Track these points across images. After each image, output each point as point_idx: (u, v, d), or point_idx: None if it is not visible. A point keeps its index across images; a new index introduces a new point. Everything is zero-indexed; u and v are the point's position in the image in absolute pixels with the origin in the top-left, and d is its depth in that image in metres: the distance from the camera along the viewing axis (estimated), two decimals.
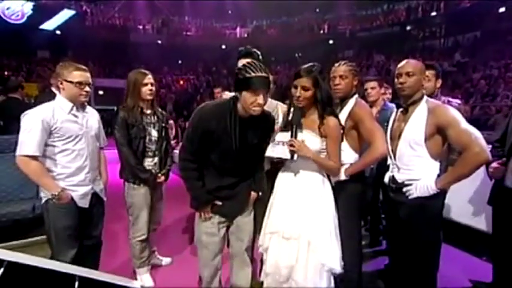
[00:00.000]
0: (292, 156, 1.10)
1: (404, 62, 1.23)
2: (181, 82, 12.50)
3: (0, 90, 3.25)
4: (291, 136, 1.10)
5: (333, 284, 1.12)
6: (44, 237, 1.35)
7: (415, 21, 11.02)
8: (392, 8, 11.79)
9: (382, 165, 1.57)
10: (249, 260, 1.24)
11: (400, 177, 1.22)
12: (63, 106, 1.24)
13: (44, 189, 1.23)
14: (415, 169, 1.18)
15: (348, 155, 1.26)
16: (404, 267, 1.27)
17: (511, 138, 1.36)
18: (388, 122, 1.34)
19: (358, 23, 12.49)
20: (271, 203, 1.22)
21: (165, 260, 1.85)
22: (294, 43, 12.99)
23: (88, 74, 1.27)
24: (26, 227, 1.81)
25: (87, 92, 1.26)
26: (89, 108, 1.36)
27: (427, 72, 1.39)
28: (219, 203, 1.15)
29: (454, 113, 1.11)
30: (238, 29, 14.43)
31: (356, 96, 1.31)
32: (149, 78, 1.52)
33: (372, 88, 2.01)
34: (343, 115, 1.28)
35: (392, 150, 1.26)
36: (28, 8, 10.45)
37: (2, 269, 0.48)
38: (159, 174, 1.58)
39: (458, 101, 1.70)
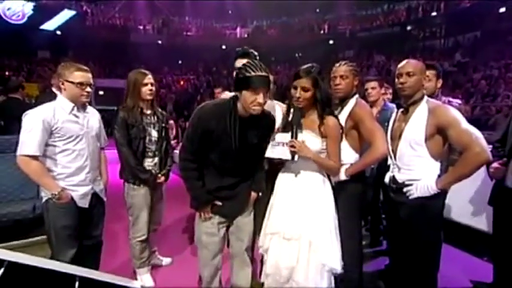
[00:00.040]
0: (292, 157, 1.10)
1: (404, 62, 1.23)
2: (182, 82, 12.51)
3: (1, 90, 3.26)
4: (292, 137, 1.10)
5: (333, 284, 1.12)
6: (44, 237, 1.35)
7: (415, 21, 11.01)
8: (392, 8, 11.79)
9: (383, 165, 1.57)
10: (249, 260, 1.24)
11: (400, 178, 1.22)
12: (64, 106, 1.25)
13: (44, 189, 1.23)
14: (416, 169, 1.18)
15: (349, 155, 1.26)
16: (404, 267, 1.27)
17: (511, 139, 1.36)
18: (388, 122, 1.34)
19: (358, 23, 12.49)
20: (271, 204, 1.22)
21: (165, 260, 1.85)
22: (294, 43, 13.00)
23: (89, 75, 1.27)
24: (27, 227, 1.81)
25: (88, 92, 1.27)
26: (89, 109, 1.36)
27: (428, 72, 1.39)
28: (219, 203, 1.15)
29: (454, 113, 1.11)
30: (238, 29, 14.44)
31: (356, 96, 1.31)
32: (149, 78, 1.51)
33: (372, 88, 2.01)
34: (343, 115, 1.28)
35: (392, 150, 1.26)
36: (28, 8, 10.47)
37: (2, 269, 0.48)
38: (159, 175, 1.58)
39: (459, 101, 1.69)
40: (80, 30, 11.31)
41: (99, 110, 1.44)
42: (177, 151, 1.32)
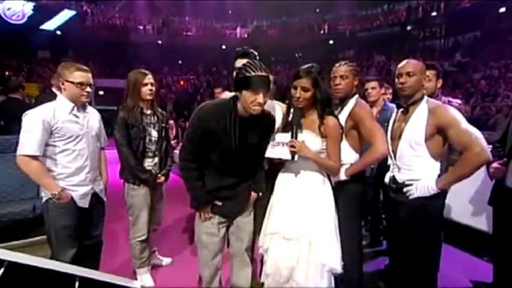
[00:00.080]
0: (293, 157, 1.10)
1: (404, 62, 1.23)
2: (182, 82, 12.51)
3: (1, 90, 3.26)
4: (292, 137, 1.10)
5: (333, 284, 1.12)
6: (44, 237, 1.35)
7: (415, 22, 11.01)
8: (392, 8, 11.79)
9: (383, 166, 1.57)
10: (249, 260, 1.24)
11: (400, 178, 1.22)
12: (64, 106, 1.25)
13: (44, 189, 1.23)
14: (416, 169, 1.18)
15: (349, 155, 1.26)
16: (404, 267, 1.27)
17: (511, 139, 1.36)
18: (388, 122, 1.34)
19: (358, 23, 12.49)
20: (271, 204, 1.22)
21: (166, 260, 1.85)
22: (294, 43, 12.99)
23: (89, 75, 1.27)
24: (27, 227, 1.81)
25: (88, 92, 1.27)
26: (89, 109, 1.36)
27: (428, 72, 1.39)
28: (219, 203, 1.15)
29: (454, 113, 1.11)
30: (238, 29, 14.44)
31: (356, 96, 1.31)
32: (149, 78, 1.51)
33: (372, 88, 2.01)
34: (343, 115, 1.28)
35: (392, 151, 1.26)
36: (29, 9, 10.47)
37: (2, 269, 0.48)
38: (159, 175, 1.57)
39: (459, 101, 1.69)
40: (80, 30, 11.31)
41: (99, 110, 1.44)
42: (177, 151, 1.32)
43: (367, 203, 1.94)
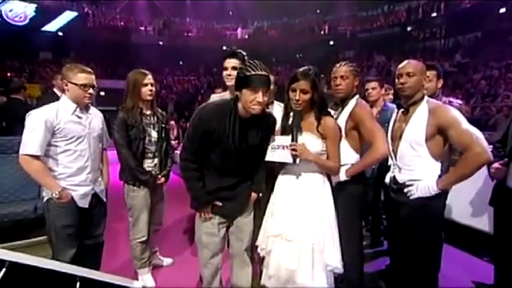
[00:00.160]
0: (294, 160, 1.10)
1: (405, 62, 1.23)
2: (183, 83, 12.54)
3: (3, 91, 3.28)
4: (292, 140, 1.10)
5: (333, 285, 1.12)
6: (45, 237, 1.35)
7: (415, 22, 11.02)
8: (392, 9, 11.80)
9: (383, 166, 1.57)
10: (249, 260, 1.24)
11: (401, 178, 1.22)
12: (66, 107, 1.26)
13: (45, 189, 1.24)
14: (416, 169, 1.18)
15: (349, 156, 1.26)
16: (405, 267, 1.27)
17: None
18: (388, 123, 1.34)
19: (358, 23, 12.50)
20: (271, 204, 1.22)
21: (166, 261, 1.85)
22: (294, 44, 13.02)
23: (93, 76, 1.28)
24: (28, 228, 1.82)
25: (91, 94, 1.28)
26: (92, 109, 1.36)
27: (428, 73, 1.39)
28: (219, 203, 1.15)
29: (454, 114, 1.11)
30: (239, 30, 14.48)
31: (357, 96, 1.31)
32: (149, 79, 1.51)
33: (373, 88, 2.01)
34: (344, 115, 1.28)
35: (393, 151, 1.26)
36: (30, 10, 10.54)
37: (4, 270, 0.48)
38: (159, 176, 1.57)
39: (460, 101, 1.69)
40: (81, 31, 11.38)
41: (101, 111, 1.45)
42: (178, 152, 1.32)
43: (368, 204, 1.94)
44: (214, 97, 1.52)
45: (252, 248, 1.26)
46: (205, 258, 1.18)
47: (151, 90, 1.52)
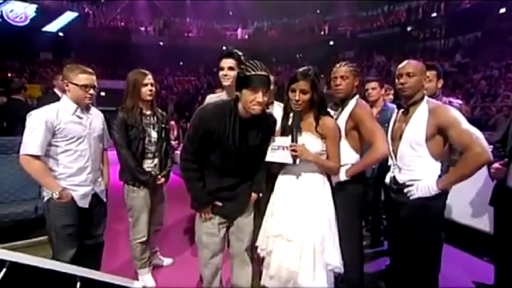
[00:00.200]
0: (294, 161, 1.10)
1: (405, 62, 1.23)
2: (183, 83, 12.56)
3: (3, 91, 3.28)
4: (292, 140, 1.10)
5: (333, 285, 1.12)
6: (46, 237, 1.35)
7: (415, 22, 11.02)
8: (392, 9, 11.80)
9: (384, 166, 1.57)
10: (249, 260, 1.24)
11: (401, 178, 1.22)
12: (67, 107, 1.26)
13: (45, 189, 1.24)
14: (416, 169, 1.18)
15: (349, 156, 1.26)
16: (405, 267, 1.27)
17: None
18: (388, 123, 1.34)
19: (358, 24, 12.51)
20: (271, 204, 1.22)
21: (167, 261, 1.85)
22: (294, 44, 13.03)
23: (94, 77, 1.29)
24: (28, 228, 1.82)
25: (91, 94, 1.28)
26: (93, 110, 1.37)
27: (428, 73, 1.39)
28: (220, 203, 1.15)
29: (454, 114, 1.11)
30: (239, 30, 14.50)
31: (357, 96, 1.31)
32: (149, 79, 1.50)
33: (373, 88, 2.01)
34: (344, 116, 1.28)
35: (393, 151, 1.26)
36: (31, 11, 10.57)
37: (4, 270, 0.48)
38: (159, 176, 1.57)
39: (460, 101, 1.69)
40: (82, 31, 11.40)
41: (101, 111, 1.45)
42: (178, 152, 1.32)
43: (368, 204, 1.94)
44: (211, 97, 1.52)
45: (252, 248, 1.26)
46: (205, 258, 1.18)
47: (151, 90, 1.51)
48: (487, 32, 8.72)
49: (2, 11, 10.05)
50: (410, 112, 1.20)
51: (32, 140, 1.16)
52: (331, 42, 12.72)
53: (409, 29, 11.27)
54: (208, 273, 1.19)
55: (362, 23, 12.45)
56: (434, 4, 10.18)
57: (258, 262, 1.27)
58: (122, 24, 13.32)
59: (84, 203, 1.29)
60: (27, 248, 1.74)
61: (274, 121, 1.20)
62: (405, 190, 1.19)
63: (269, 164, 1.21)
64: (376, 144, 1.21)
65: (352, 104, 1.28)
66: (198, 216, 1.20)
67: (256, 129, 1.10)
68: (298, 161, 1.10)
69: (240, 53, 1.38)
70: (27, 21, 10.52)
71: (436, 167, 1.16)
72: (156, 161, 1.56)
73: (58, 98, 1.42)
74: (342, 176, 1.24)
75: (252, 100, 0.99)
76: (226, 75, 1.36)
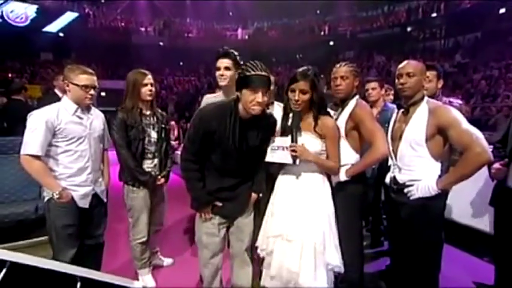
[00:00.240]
0: (294, 161, 1.10)
1: (405, 62, 1.23)
2: (183, 83, 12.57)
3: (4, 92, 3.29)
4: (292, 141, 1.10)
5: (333, 285, 1.12)
6: (46, 237, 1.35)
7: (415, 22, 11.03)
8: (392, 9, 11.81)
9: (384, 166, 1.57)
10: (250, 260, 1.24)
11: (401, 178, 1.22)
12: (67, 107, 1.26)
13: (46, 189, 1.24)
14: (416, 170, 1.18)
15: (349, 156, 1.26)
16: (406, 267, 1.27)
17: None
18: (388, 123, 1.35)
19: (358, 24, 12.52)
20: (271, 204, 1.22)
21: (167, 261, 1.84)
22: (294, 44, 13.04)
23: (94, 77, 1.29)
24: (29, 228, 1.82)
25: (92, 95, 1.28)
26: (94, 110, 1.37)
27: (428, 73, 1.39)
28: (220, 204, 1.16)
29: (455, 114, 1.11)
30: (239, 31, 14.52)
31: (357, 97, 1.31)
32: (149, 79, 1.50)
33: (373, 89, 2.01)
34: (344, 116, 1.28)
35: (393, 151, 1.26)
36: (31, 11, 10.59)
37: (4, 270, 0.48)
38: (159, 176, 1.56)
39: (460, 102, 1.69)
40: (82, 32, 11.42)
41: (101, 111, 1.45)
42: (178, 152, 1.32)
43: (368, 204, 1.94)
44: (208, 97, 1.52)
45: (252, 248, 1.26)
46: (205, 259, 1.18)
47: (151, 91, 1.51)
48: (487, 32, 8.72)
49: (2, 12, 10.07)
50: (410, 112, 1.20)
51: (32, 140, 1.16)
52: (331, 43, 12.73)
53: (409, 29, 11.28)
54: (208, 273, 1.19)
55: (362, 23, 12.46)
56: (434, 4, 10.18)
57: (258, 262, 1.27)
58: (122, 24, 13.34)
59: (84, 203, 1.29)
60: (27, 248, 1.74)
61: (275, 121, 1.20)
62: (405, 190, 1.19)
63: (268, 165, 1.21)
64: (376, 144, 1.21)
65: (352, 104, 1.29)
66: (198, 217, 1.20)
67: (256, 129, 1.10)
68: (298, 161, 1.10)
69: (236, 53, 1.38)
70: (28, 22, 10.54)
71: (436, 167, 1.16)
72: (155, 161, 1.56)
73: (58, 99, 1.43)
74: (342, 176, 1.24)
75: (252, 100, 0.99)
76: (222, 75, 1.36)
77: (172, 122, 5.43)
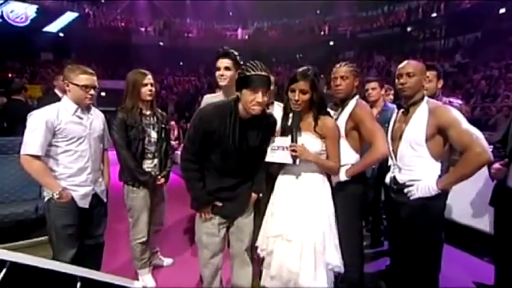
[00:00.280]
0: (294, 161, 1.10)
1: (404, 62, 1.23)
2: (183, 83, 12.57)
3: (4, 92, 3.29)
4: (292, 141, 1.10)
5: (333, 284, 1.12)
6: (46, 237, 1.36)
7: (415, 22, 11.03)
8: (392, 10, 11.82)
9: (384, 166, 1.57)
10: (250, 260, 1.24)
11: (401, 178, 1.22)
12: (67, 107, 1.26)
13: (46, 189, 1.24)
14: (416, 170, 1.18)
15: (349, 156, 1.26)
16: (406, 267, 1.27)
17: None
18: (388, 123, 1.35)
19: (358, 24, 12.52)
20: (271, 204, 1.22)
21: (167, 261, 1.85)
22: (294, 44, 13.04)
23: (94, 78, 1.29)
24: (29, 228, 1.82)
25: (92, 95, 1.28)
26: (94, 110, 1.37)
27: (428, 73, 1.40)
28: (220, 204, 1.16)
29: (455, 114, 1.11)
30: (239, 31, 14.52)
31: (357, 97, 1.32)
32: (149, 79, 1.50)
33: (373, 89, 2.01)
34: (344, 116, 1.28)
35: (393, 151, 1.26)
36: (31, 11, 10.59)
37: (4, 270, 0.48)
38: (159, 176, 1.56)
39: (460, 102, 1.69)
40: (82, 32, 11.42)
41: (101, 111, 1.45)
42: (178, 152, 1.33)
43: (368, 204, 1.94)
44: (207, 97, 1.52)
45: (252, 248, 1.26)
46: (205, 259, 1.18)
47: (151, 90, 1.51)
48: (487, 32, 8.72)
49: (2, 12, 10.07)
50: (410, 112, 1.20)
51: (32, 140, 1.16)
52: (331, 43, 12.73)
53: (409, 29, 11.28)
54: (208, 273, 1.19)
55: (362, 23, 12.46)
56: (434, 4, 10.18)
57: (258, 262, 1.27)
58: (122, 24, 13.34)
59: (84, 203, 1.29)
60: (27, 248, 1.74)
61: (275, 121, 1.20)
62: (405, 190, 1.19)
63: (268, 165, 1.21)
64: (376, 144, 1.21)
65: (352, 104, 1.29)
66: (198, 217, 1.20)
67: (256, 129, 1.11)
68: (298, 161, 1.10)
69: (236, 53, 1.38)
70: (28, 22, 10.55)
71: (436, 167, 1.16)
72: (155, 161, 1.56)
73: (58, 99, 1.43)
74: (342, 176, 1.24)
75: (252, 100, 0.99)
76: (222, 75, 1.36)
77: (173, 122, 5.44)
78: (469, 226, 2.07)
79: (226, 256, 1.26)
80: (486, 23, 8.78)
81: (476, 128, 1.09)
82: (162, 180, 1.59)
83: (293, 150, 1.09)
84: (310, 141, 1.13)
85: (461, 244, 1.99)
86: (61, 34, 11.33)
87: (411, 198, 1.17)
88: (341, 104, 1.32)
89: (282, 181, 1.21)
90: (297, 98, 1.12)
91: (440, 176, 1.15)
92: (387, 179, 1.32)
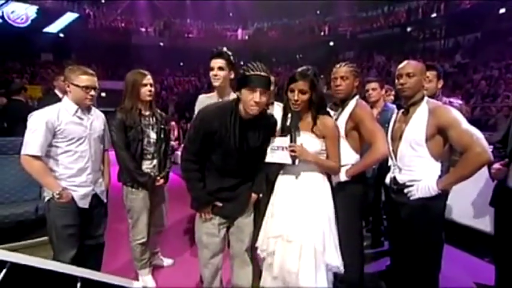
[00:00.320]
0: (293, 162, 1.10)
1: (404, 62, 1.23)
2: (183, 84, 12.58)
3: (4, 92, 3.30)
4: (291, 141, 1.10)
5: (332, 285, 1.12)
6: (46, 238, 1.36)
7: (415, 23, 11.03)
8: (392, 10, 11.82)
9: (384, 166, 1.57)
10: (250, 260, 1.24)
11: (401, 178, 1.22)
12: (68, 108, 1.26)
13: (46, 189, 1.24)
14: (416, 170, 1.18)
15: (349, 156, 1.26)
16: (406, 268, 1.27)
17: None
18: (388, 123, 1.35)
19: (358, 24, 12.53)
20: (271, 204, 1.22)
21: (167, 261, 1.84)
22: (294, 45, 13.05)
23: (95, 78, 1.29)
24: (29, 228, 1.82)
25: (92, 95, 1.28)
26: (94, 111, 1.37)
27: (428, 73, 1.40)
28: (220, 204, 1.16)
29: (455, 114, 1.11)
30: (239, 31, 14.54)
31: (357, 97, 1.32)
32: (148, 79, 1.49)
33: (373, 89, 2.01)
34: (344, 116, 1.28)
35: (393, 151, 1.26)
36: (32, 12, 10.61)
37: (4, 270, 0.48)
38: (158, 177, 1.56)
39: (460, 102, 1.69)
40: (82, 32, 11.44)
41: (101, 112, 1.45)
42: (178, 152, 1.33)
43: (368, 204, 1.94)
44: (202, 97, 1.52)
45: (252, 249, 1.26)
46: (205, 259, 1.18)
47: (150, 91, 1.50)
48: (487, 33, 8.72)
49: (3, 12, 10.09)
50: (410, 112, 1.20)
51: (32, 141, 1.17)
52: (331, 43, 12.74)
53: (409, 29, 11.28)
54: (209, 273, 1.19)
55: (362, 23, 12.46)
56: (434, 4, 10.18)
57: (258, 263, 1.27)
58: (123, 25, 13.36)
59: (84, 204, 1.29)
60: (27, 249, 1.74)
61: (275, 122, 1.20)
62: (405, 190, 1.19)
63: (267, 169, 1.21)
64: (376, 144, 1.21)
65: (352, 104, 1.29)
66: (198, 217, 1.20)
67: (257, 129, 1.11)
68: (297, 161, 1.10)
69: (230, 53, 1.38)
70: (28, 22, 10.57)
71: (436, 167, 1.16)
72: (155, 162, 1.55)
73: (59, 99, 1.43)
74: (342, 177, 1.24)
75: (250, 100, 1.00)
76: (216, 75, 1.36)
77: (173, 123, 5.44)
78: (470, 226, 2.07)
79: (227, 256, 1.26)
80: (486, 23, 8.78)
81: (476, 128, 1.09)
82: (161, 181, 1.59)
83: (292, 151, 1.09)
84: (309, 141, 1.13)
85: (461, 244, 1.99)
86: (61, 35, 11.36)
87: (411, 198, 1.17)
88: (341, 104, 1.32)
89: (282, 181, 1.21)
90: (296, 98, 1.12)
91: (440, 176, 1.15)
92: (387, 179, 1.32)
